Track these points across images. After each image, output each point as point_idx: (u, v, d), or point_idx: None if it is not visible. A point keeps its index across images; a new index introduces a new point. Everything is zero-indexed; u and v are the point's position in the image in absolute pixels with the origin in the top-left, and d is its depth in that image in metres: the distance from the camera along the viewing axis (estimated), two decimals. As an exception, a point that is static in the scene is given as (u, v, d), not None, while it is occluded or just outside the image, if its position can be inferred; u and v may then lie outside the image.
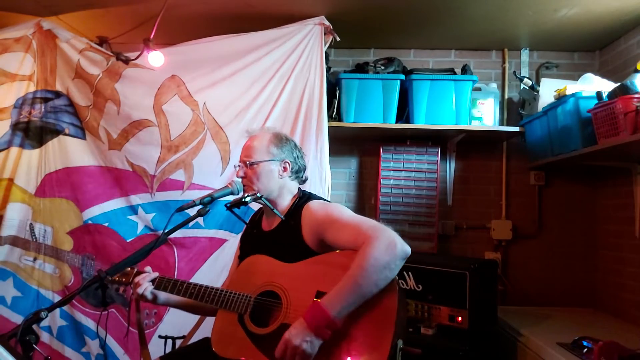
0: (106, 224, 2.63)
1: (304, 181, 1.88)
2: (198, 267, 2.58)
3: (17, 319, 2.55)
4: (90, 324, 2.61)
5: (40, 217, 2.62)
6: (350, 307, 1.42)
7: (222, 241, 2.60)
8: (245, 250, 1.83)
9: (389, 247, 1.44)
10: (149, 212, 2.62)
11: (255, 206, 1.96)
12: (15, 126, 2.61)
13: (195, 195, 2.54)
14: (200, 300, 1.68)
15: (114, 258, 2.53)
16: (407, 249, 1.47)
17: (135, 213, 2.63)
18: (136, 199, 2.62)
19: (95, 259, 2.63)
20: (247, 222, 1.95)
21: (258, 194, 1.71)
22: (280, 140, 1.81)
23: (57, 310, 2.55)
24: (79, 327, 2.61)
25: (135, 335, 2.50)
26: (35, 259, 2.62)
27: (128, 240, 2.63)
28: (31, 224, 2.62)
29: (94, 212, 2.63)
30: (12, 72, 2.61)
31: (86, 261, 2.64)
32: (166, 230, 1.62)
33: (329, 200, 2.14)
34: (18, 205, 2.59)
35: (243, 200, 1.69)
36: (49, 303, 2.54)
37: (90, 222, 2.63)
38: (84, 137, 2.66)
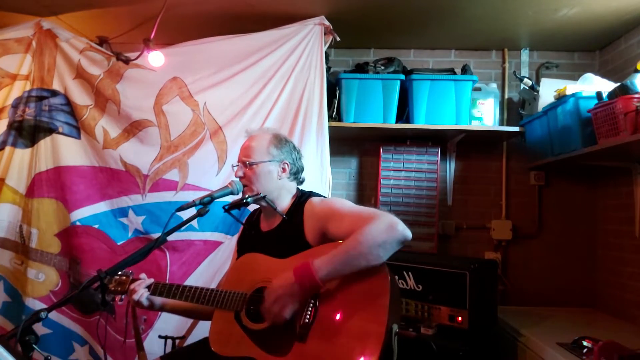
0: (96, 226, 2.55)
1: (301, 182, 1.88)
2: (191, 271, 2.52)
3: (5, 324, 2.49)
4: (78, 330, 2.55)
5: (28, 218, 2.54)
6: (337, 274, 1.47)
7: (217, 244, 2.54)
8: (243, 252, 1.83)
9: (389, 228, 1.46)
10: (139, 214, 2.55)
11: (251, 207, 1.95)
12: (10, 125, 2.57)
13: (188, 196, 2.50)
14: (196, 302, 1.68)
15: (103, 261, 2.43)
16: (408, 234, 1.48)
17: (126, 215, 2.57)
18: (127, 201, 2.55)
19: (81, 262, 2.53)
20: (244, 223, 1.95)
21: (260, 194, 1.71)
22: (280, 141, 1.81)
23: None
24: (66, 333, 2.53)
25: (124, 344, 2.45)
26: (22, 262, 2.53)
27: (119, 244, 2.55)
28: (21, 225, 2.55)
29: (83, 213, 2.55)
30: (12, 72, 2.59)
31: (73, 265, 2.55)
32: (166, 230, 1.61)
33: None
34: (8, 206, 2.53)
35: (244, 201, 1.70)
36: (30, 310, 2.45)
37: (78, 223, 2.54)
38: (78, 137, 2.61)
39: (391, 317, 1.41)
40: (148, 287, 1.75)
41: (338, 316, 1.47)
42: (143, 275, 1.81)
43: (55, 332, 2.52)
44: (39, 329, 2.46)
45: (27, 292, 2.52)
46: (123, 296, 1.80)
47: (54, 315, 2.50)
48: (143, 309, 1.79)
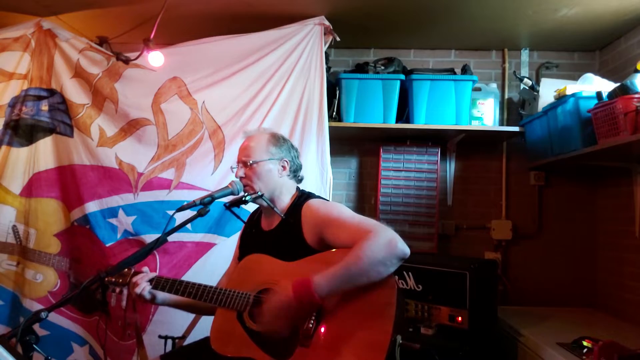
0: (87, 227, 2.50)
1: (300, 180, 1.89)
2: (182, 274, 2.46)
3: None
4: (78, 330, 2.53)
5: (25, 218, 2.49)
6: (337, 291, 1.46)
7: (209, 245, 2.50)
8: (245, 250, 1.83)
9: (388, 245, 1.45)
10: (130, 214, 2.50)
11: (251, 207, 1.95)
12: (7, 125, 2.54)
13: (182, 195, 2.49)
14: (199, 300, 1.68)
15: (96, 263, 2.42)
16: (407, 250, 1.47)
17: (116, 216, 2.50)
18: (118, 200, 2.50)
19: (82, 262, 2.50)
20: (245, 221, 1.95)
21: (259, 193, 1.72)
22: (278, 139, 1.82)
23: None
24: (64, 334, 2.50)
25: (119, 345, 2.44)
26: (18, 263, 2.49)
27: (107, 245, 2.48)
28: (14, 226, 2.50)
29: (77, 213, 2.52)
30: (9, 70, 2.57)
31: (73, 265, 2.53)
32: (167, 230, 1.61)
33: (328, 199, 2.15)
34: None
35: (243, 199, 1.70)
36: (28, 312, 2.42)
37: (76, 223, 2.53)
38: (71, 135, 2.57)
39: (396, 328, 1.41)
40: (150, 280, 1.75)
41: (343, 323, 1.46)
42: (145, 269, 1.81)
43: (53, 333, 2.49)
44: (37, 330, 2.44)
45: (25, 293, 2.49)
46: (117, 290, 1.78)
47: (51, 316, 2.41)
48: (145, 303, 1.78)
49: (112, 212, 2.52)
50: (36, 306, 2.46)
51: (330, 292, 1.44)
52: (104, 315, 2.48)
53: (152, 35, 2.42)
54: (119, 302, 1.82)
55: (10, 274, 2.51)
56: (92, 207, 2.52)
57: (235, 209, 1.75)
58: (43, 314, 1.34)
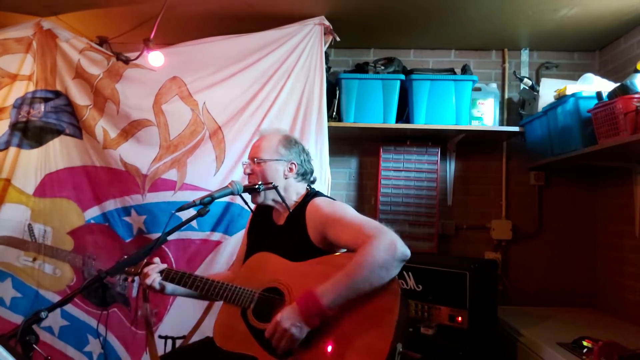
0: (107, 224, 2.62)
1: (312, 182, 1.91)
2: (195, 269, 2.53)
3: (17, 319, 2.52)
4: (93, 323, 2.60)
5: (40, 217, 2.59)
6: (342, 300, 1.45)
7: (216, 243, 2.55)
8: (252, 239, 1.87)
9: (389, 248, 1.46)
10: (141, 213, 2.57)
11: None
12: (14, 126, 2.58)
13: (187, 196, 2.52)
14: (206, 294, 1.71)
15: (116, 258, 2.48)
16: (407, 252, 1.48)
17: (129, 214, 2.60)
18: (129, 200, 2.58)
19: (97, 259, 2.61)
20: (253, 210, 1.95)
21: (273, 184, 1.74)
22: (290, 142, 1.85)
23: (58, 310, 2.54)
24: (81, 326, 2.59)
25: (137, 335, 2.52)
26: (34, 259, 2.59)
27: (127, 241, 2.59)
28: (30, 224, 2.58)
29: (95, 212, 2.61)
30: (12, 72, 2.59)
31: (87, 261, 2.61)
32: (166, 230, 1.62)
33: (335, 199, 2.16)
34: (14, 206, 2.56)
35: (256, 187, 1.73)
36: (49, 303, 2.47)
37: (92, 221, 2.61)
38: (80, 137, 2.64)
39: (397, 336, 1.41)
40: (160, 272, 1.78)
41: (344, 327, 1.46)
42: (157, 260, 1.84)
43: (72, 324, 2.60)
44: (58, 320, 2.57)
45: (46, 286, 2.59)
46: (129, 280, 1.83)
47: (70, 308, 2.59)
48: (155, 293, 1.81)
49: (126, 211, 2.62)
50: (57, 298, 2.56)
51: (334, 301, 1.44)
52: (118, 305, 2.59)
53: (152, 35, 2.42)
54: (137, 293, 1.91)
55: (27, 269, 2.59)
56: (109, 205, 2.61)
57: (240, 205, 1.76)
58: (43, 314, 1.34)
